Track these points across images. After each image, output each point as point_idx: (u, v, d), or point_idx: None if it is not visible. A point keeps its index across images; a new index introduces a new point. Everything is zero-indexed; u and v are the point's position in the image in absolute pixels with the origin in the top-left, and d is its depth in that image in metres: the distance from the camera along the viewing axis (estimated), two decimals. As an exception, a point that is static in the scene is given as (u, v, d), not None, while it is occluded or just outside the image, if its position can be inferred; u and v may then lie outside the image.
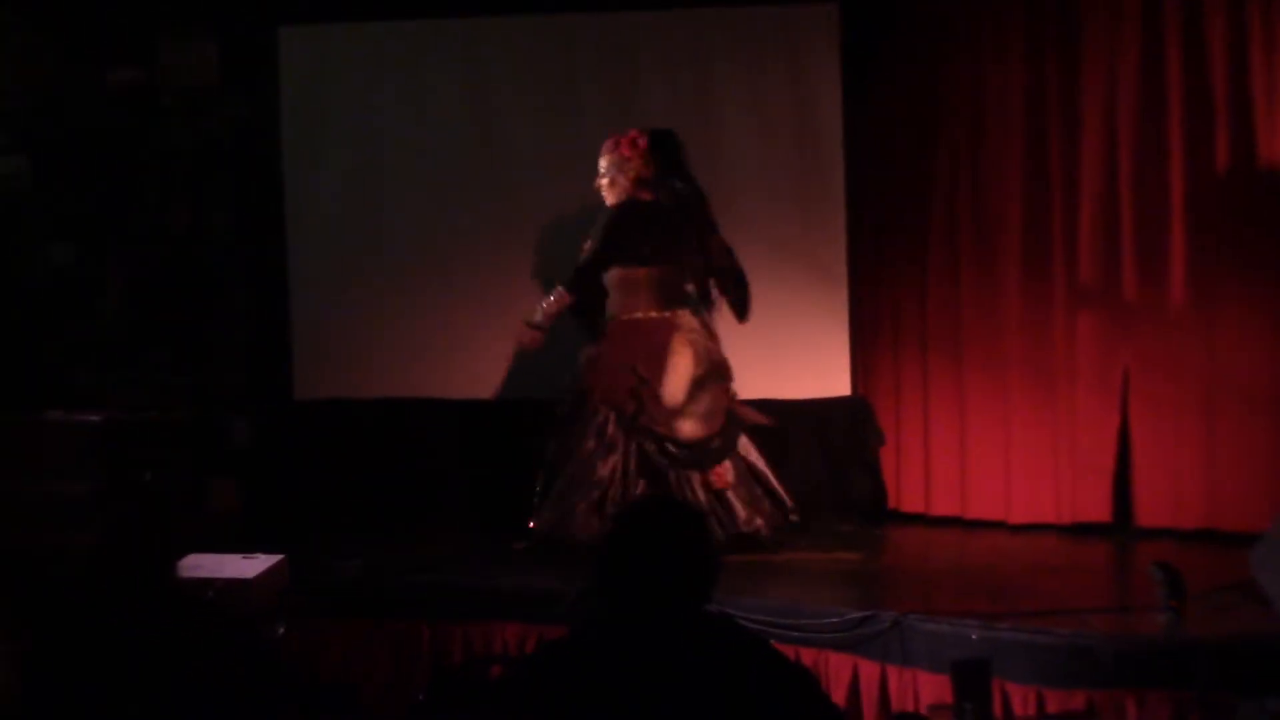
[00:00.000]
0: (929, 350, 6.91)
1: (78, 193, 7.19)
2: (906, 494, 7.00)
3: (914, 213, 6.94)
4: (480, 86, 7.16)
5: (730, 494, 5.99)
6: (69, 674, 3.20)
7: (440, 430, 7.14)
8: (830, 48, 6.92)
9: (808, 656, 4.75)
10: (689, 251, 6.09)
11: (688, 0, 7.04)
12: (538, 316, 6.09)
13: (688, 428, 5.99)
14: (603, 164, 6.14)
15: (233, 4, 7.25)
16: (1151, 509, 6.39)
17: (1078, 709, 4.23)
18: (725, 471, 6.02)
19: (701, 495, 5.88)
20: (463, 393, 7.11)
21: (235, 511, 6.75)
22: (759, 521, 6.01)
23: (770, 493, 6.14)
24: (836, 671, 4.74)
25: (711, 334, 6.18)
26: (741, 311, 6.20)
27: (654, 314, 6.05)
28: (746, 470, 6.12)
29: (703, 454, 6.00)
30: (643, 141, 6.08)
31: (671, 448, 5.96)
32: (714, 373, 6.10)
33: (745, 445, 6.17)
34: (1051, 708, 4.27)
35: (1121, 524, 6.47)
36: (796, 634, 4.79)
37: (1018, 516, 6.63)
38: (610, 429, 5.94)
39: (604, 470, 5.91)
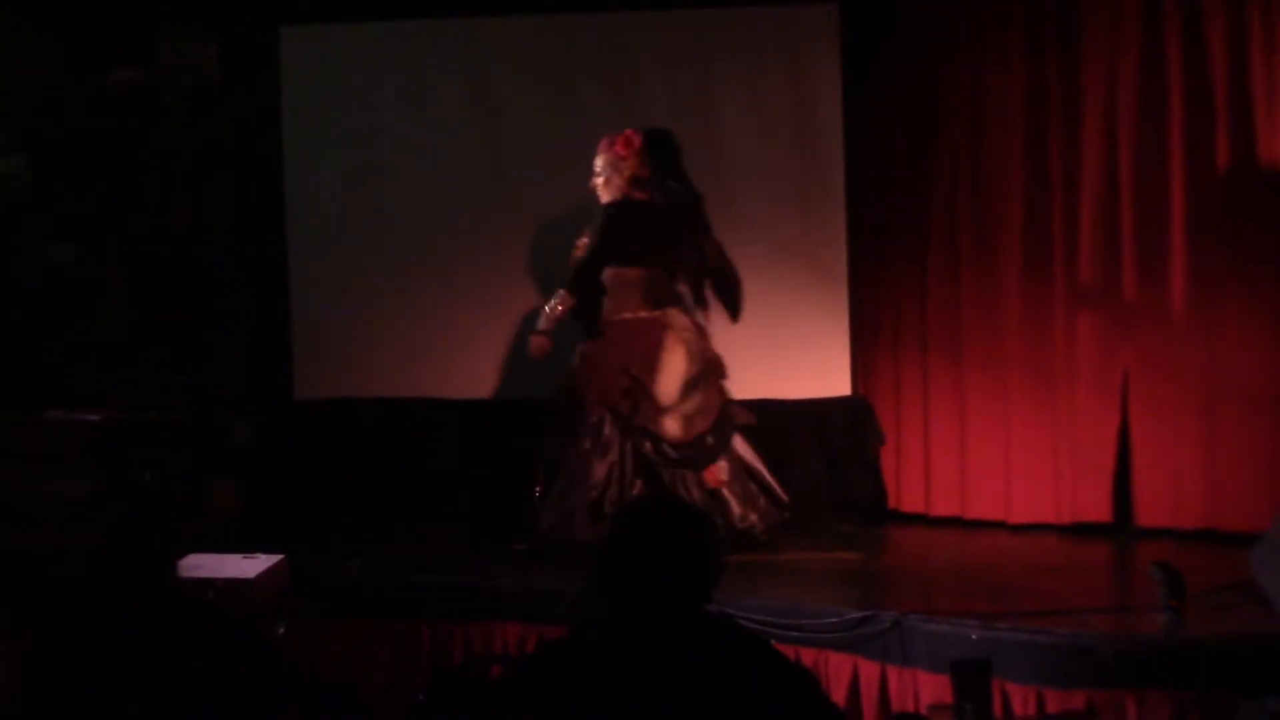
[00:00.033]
0: (929, 350, 6.91)
1: (78, 193, 7.19)
2: (906, 494, 7.00)
3: (914, 213, 6.94)
4: (480, 86, 7.16)
5: (725, 491, 6.00)
6: (69, 674, 3.20)
7: (440, 430, 7.14)
8: (830, 48, 6.93)
9: (808, 656, 4.75)
10: (682, 251, 6.09)
11: (688, 0, 7.04)
12: (543, 323, 6.08)
13: (681, 426, 6.00)
14: (598, 163, 6.14)
15: (233, 4, 7.26)
16: (1151, 509, 6.39)
17: (1078, 709, 4.23)
18: (719, 470, 6.02)
19: (696, 494, 5.88)
20: (463, 393, 7.11)
21: (235, 511, 6.75)
22: (753, 518, 6.02)
23: (766, 489, 6.14)
24: (836, 671, 4.74)
25: (703, 332, 6.17)
26: (734, 312, 6.19)
27: (644, 314, 6.04)
28: (741, 467, 6.12)
29: (698, 452, 6.00)
30: (637, 141, 6.08)
31: (667, 447, 5.96)
32: (708, 371, 6.10)
33: (739, 442, 6.17)
34: (1051, 708, 4.27)
35: (1121, 524, 6.47)
36: (796, 634, 4.79)
37: (1018, 516, 6.63)
38: (606, 429, 5.94)
39: (601, 471, 5.91)
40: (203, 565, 4.71)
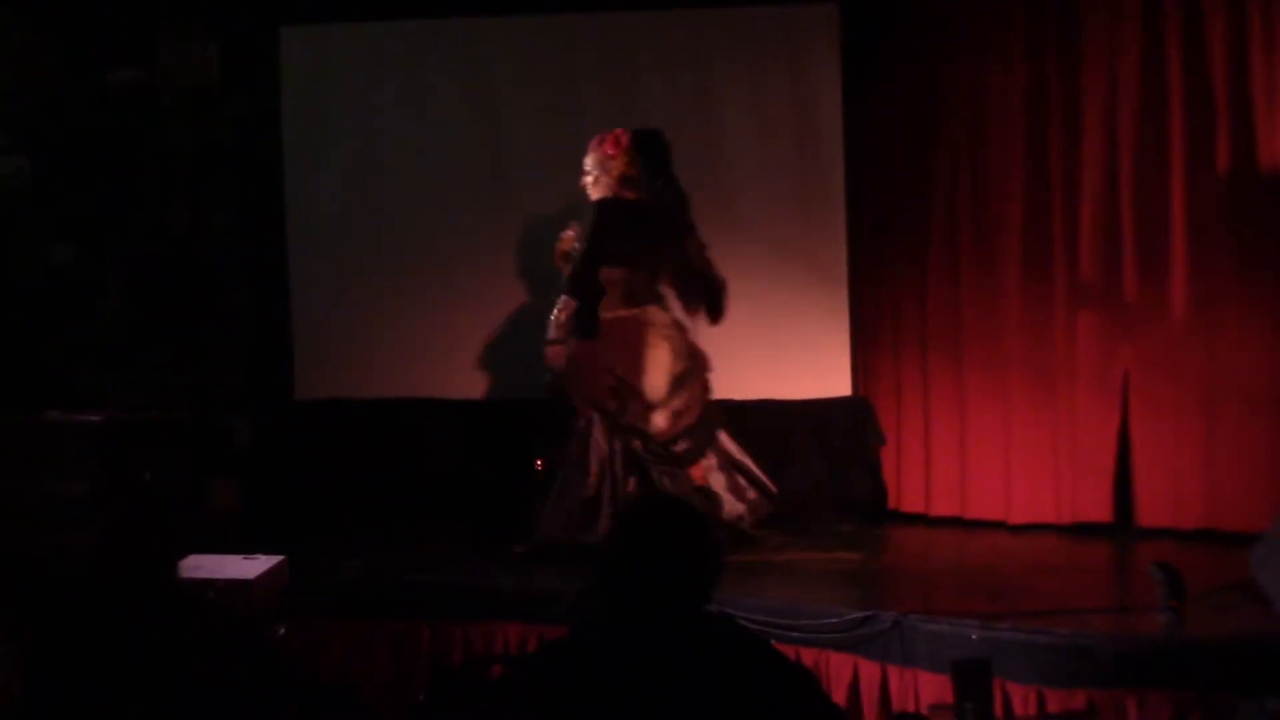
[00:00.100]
0: (929, 350, 6.90)
1: (78, 193, 7.19)
2: (907, 494, 7.00)
3: (914, 213, 6.94)
4: (480, 86, 7.16)
5: (711, 485, 6.00)
6: (69, 674, 3.20)
7: (440, 430, 7.14)
8: (830, 48, 6.93)
9: (808, 656, 4.75)
10: (668, 251, 6.10)
11: (688, 0, 7.04)
12: (553, 332, 6.07)
13: (670, 422, 6.01)
14: (588, 162, 6.14)
15: (233, 4, 7.26)
16: (1151, 509, 6.38)
17: (1078, 709, 4.23)
18: (706, 465, 6.04)
19: (684, 489, 5.89)
20: (463, 393, 7.11)
21: (235, 512, 6.75)
22: (741, 509, 6.03)
23: (754, 482, 6.14)
24: (837, 671, 4.74)
25: (683, 328, 6.17)
26: (716, 313, 6.18)
27: (624, 312, 6.04)
28: (728, 461, 6.13)
29: (685, 448, 6.01)
30: (626, 140, 6.08)
31: (656, 444, 5.96)
32: (694, 367, 6.11)
33: (723, 436, 6.18)
34: (1052, 707, 4.27)
35: (1122, 524, 6.46)
36: (797, 634, 4.79)
37: (1018, 516, 6.63)
38: (595, 430, 5.95)
39: (594, 471, 5.91)
40: (203, 566, 4.71)
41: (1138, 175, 6.38)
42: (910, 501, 6.98)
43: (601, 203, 6.04)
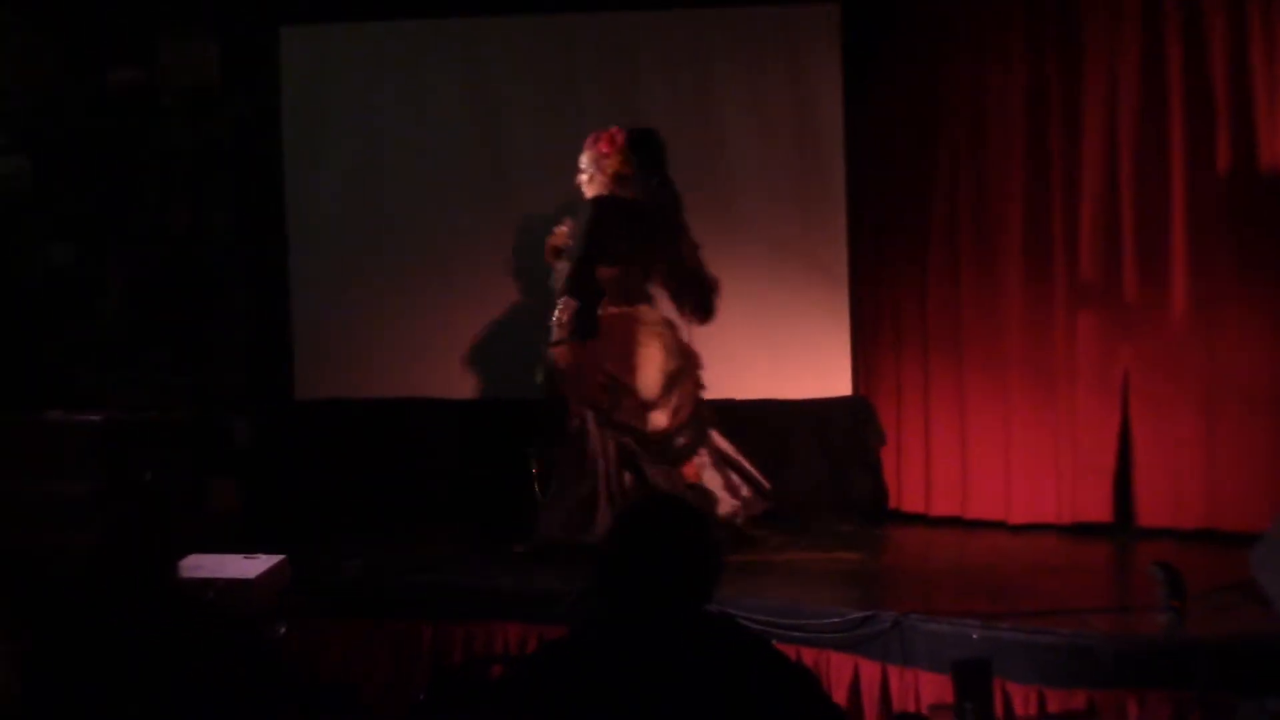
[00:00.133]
0: (929, 350, 6.91)
1: (78, 193, 7.19)
2: (907, 494, 7.00)
3: (914, 213, 6.94)
4: (480, 86, 7.16)
5: (704, 483, 6.01)
6: (69, 674, 3.20)
7: (440, 430, 7.14)
8: (830, 48, 6.93)
9: (809, 656, 4.75)
10: (662, 251, 6.09)
11: (688, 0, 7.04)
12: (557, 333, 6.05)
13: (664, 419, 6.01)
14: (583, 160, 6.14)
15: (233, 4, 7.26)
16: (1152, 509, 6.38)
17: (1078, 709, 4.23)
18: (699, 463, 6.04)
19: (678, 486, 5.90)
20: (463, 393, 7.11)
21: (235, 511, 6.75)
22: (735, 504, 6.04)
23: (748, 478, 6.14)
24: (837, 671, 4.74)
25: (674, 326, 6.17)
26: (706, 313, 6.18)
27: (614, 310, 6.04)
28: (720, 458, 6.13)
29: (678, 446, 6.01)
30: (621, 138, 6.08)
31: (650, 442, 5.96)
32: (686, 365, 6.11)
33: (715, 434, 6.17)
34: (1052, 707, 4.27)
35: (1122, 524, 6.46)
36: (797, 634, 4.79)
37: (1018, 516, 6.63)
38: (590, 428, 5.95)
39: (590, 470, 5.91)
40: (203, 565, 4.70)
41: (1138, 175, 6.38)
42: (910, 501, 6.98)
43: (597, 200, 6.03)
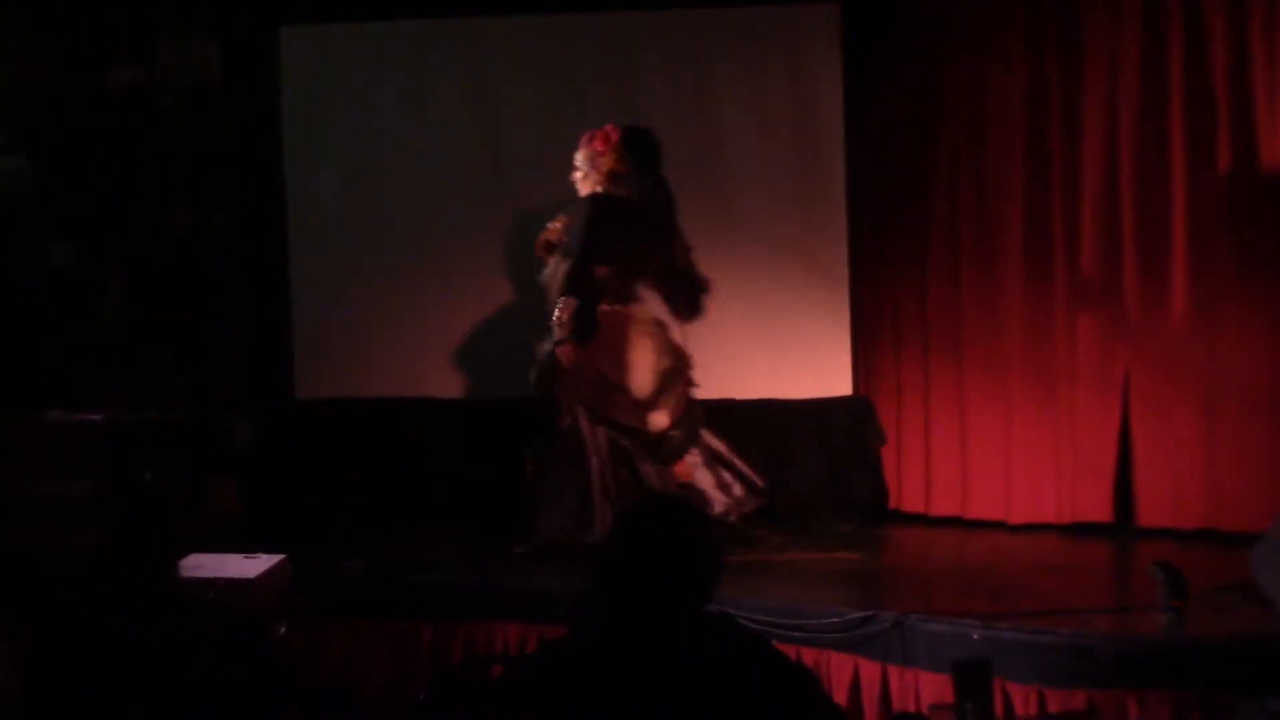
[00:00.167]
0: (930, 350, 6.91)
1: (78, 193, 7.18)
2: (907, 494, 7.00)
3: (914, 213, 6.94)
4: (481, 86, 7.16)
5: (696, 482, 6.01)
6: (69, 674, 3.19)
7: (440, 430, 7.14)
8: (831, 48, 6.93)
9: (809, 656, 4.75)
10: (655, 251, 6.09)
11: (688, 0, 7.04)
12: (559, 333, 6.03)
13: (663, 420, 6.01)
14: (578, 158, 6.14)
15: (233, 4, 7.26)
16: (1152, 509, 6.38)
17: (1078, 709, 4.22)
18: (690, 462, 6.05)
19: (669, 485, 5.90)
20: (463, 393, 7.11)
21: (236, 511, 6.74)
22: (727, 503, 6.04)
23: (740, 476, 6.14)
24: (837, 671, 4.74)
25: (664, 326, 6.17)
26: (694, 314, 6.17)
27: (606, 308, 6.04)
28: (711, 456, 6.13)
29: (670, 444, 6.02)
30: (615, 137, 6.08)
31: (641, 439, 5.96)
32: (678, 365, 6.11)
33: (706, 433, 6.18)
34: (1052, 707, 4.27)
35: (1122, 524, 6.47)
36: (797, 634, 4.79)
37: (1018, 516, 6.63)
38: (584, 426, 5.95)
39: (585, 467, 5.91)
40: (204, 565, 4.70)
41: (1138, 175, 6.38)
42: (910, 501, 6.99)
43: (595, 198, 6.03)
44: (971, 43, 6.79)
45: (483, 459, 6.94)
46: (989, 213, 6.73)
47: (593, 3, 7.12)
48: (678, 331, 6.19)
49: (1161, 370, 6.34)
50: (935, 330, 6.88)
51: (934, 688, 4.43)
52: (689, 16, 7.04)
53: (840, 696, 4.65)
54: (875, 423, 6.99)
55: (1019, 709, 4.31)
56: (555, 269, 6.11)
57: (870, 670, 4.68)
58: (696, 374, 6.20)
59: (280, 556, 4.99)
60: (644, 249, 6.07)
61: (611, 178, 6.06)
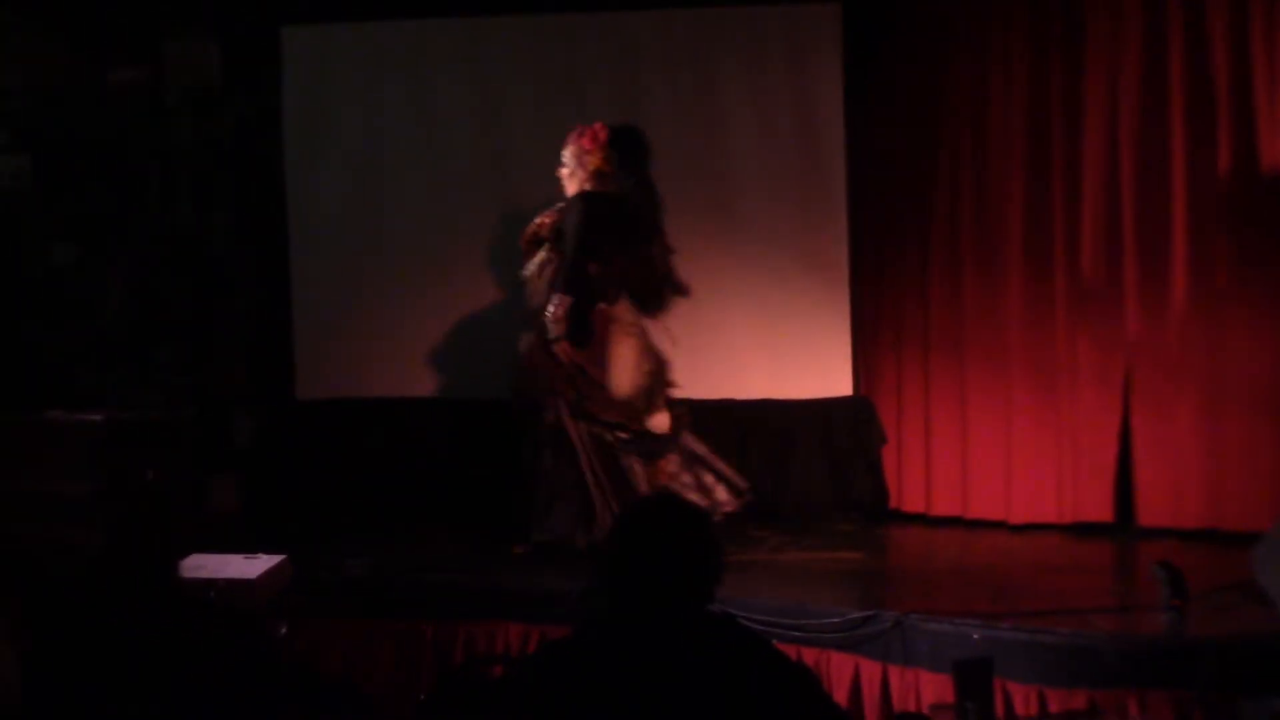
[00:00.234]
0: (930, 350, 6.91)
1: (79, 192, 7.19)
2: (908, 493, 7.00)
3: (915, 213, 6.94)
4: (482, 86, 7.16)
5: (675, 484, 6.00)
6: (69, 674, 3.20)
7: (440, 430, 7.14)
8: (832, 48, 6.93)
9: (809, 656, 4.75)
10: (638, 250, 6.09)
11: (689, 0, 7.03)
12: (555, 330, 6.02)
13: (664, 423, 6.01)
14: (565, 155, 6.14)
15: (235, 3, 7.26)
16: (1153, 508, 6.38)
17: (1080, 708, 4.23)
18: (669, 463, 6.04)
19: (652, 482, 5.90)
20: (463, 393, 7.11)
21: (237, 511, 6.75)
22: (706, 504, 6.03)
23: (721, 477, 6.13)
24: (838, 671, 4.74)
25: (646, 328, 6.16)
26: (655, 307, 6.15)
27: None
28: (691, 457, 6.12)
29: (651, 444, 6.01)
30: (603, 135, 6.08)
31: (621, 433, 5.96)
32: (660, 366, 6.10)
33: (686, 435, 6.17)
34: (1053, 707, 4.27)
35: (1123, 523, 6.46)
36: (798, 634, 4.79)
37: (1019, 516, 6.63)
38: (565, 421, 5.94)
39: (574, 462, 5.91)
40: (205, 565, 4.71)
41: (1139, 174, 6.38)
42: (911, 501, 6.98)
43: (588, 196, 6.03)
44: (972, 43, 6.79)
45: (483, 459, 6.93)
46: (990, 212, 6.73)
47: (593, 2, 7.12)
48: (662, 330, 6.17)
49: (1162, 370, 6.34)
50: (936, 330, 6.88)
51: (935, 688, 4.43)
52: (689, 16, 7.04)
53: (841, 696, 4.65)
54: (876, 422, 6.99)
55: (1020, 709, 4.31)
56: (541, 264, 6.11)
57: (871, 670, 4.68)
58: (697, 374, 6.21)
59: (281, 556, 4.99)
60: (626, 246, 6.06)
61: (597, 175, 6.06)
